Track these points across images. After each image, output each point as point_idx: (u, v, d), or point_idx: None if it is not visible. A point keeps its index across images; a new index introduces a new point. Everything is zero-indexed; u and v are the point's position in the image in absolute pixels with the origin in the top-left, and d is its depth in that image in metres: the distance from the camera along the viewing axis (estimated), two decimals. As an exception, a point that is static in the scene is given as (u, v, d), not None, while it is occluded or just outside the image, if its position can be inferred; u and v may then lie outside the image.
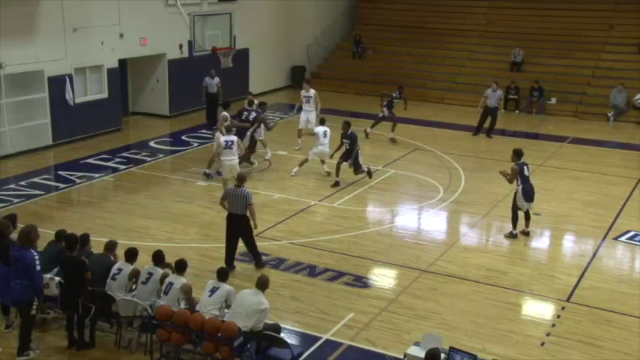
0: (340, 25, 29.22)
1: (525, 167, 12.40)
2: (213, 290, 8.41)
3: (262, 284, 8.28)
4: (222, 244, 11.15)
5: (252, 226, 10.76)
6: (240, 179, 10.82)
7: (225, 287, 8.43)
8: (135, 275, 8.71)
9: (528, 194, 12.32)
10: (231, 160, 13.92)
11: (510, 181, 12.50)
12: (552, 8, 26.11)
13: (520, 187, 12.31)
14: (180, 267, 8.63)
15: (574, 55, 24.94)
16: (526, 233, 12.61)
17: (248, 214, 10.60)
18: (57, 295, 8.75)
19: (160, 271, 8.69)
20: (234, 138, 14.03)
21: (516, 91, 23.50)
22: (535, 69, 24.76)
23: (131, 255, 8.86)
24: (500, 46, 25.84)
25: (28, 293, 8.19)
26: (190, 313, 8.06)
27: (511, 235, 12.56)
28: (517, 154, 12.49)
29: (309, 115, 17.55)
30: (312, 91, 17.60)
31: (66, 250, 8.63)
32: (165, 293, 8.45)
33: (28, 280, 8.13)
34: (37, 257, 8.18)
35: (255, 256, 11.01)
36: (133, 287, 8.71)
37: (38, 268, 8.18)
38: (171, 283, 8.47)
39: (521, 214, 12.56)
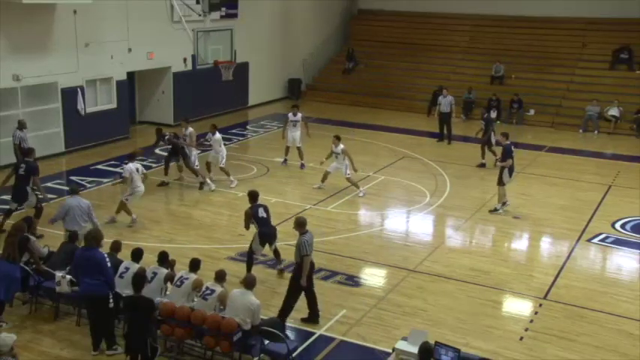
0: (334, 41, 29.28)
1: (513, 148, 14.20)
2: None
3: (249, 283, 8.12)
4: (221, 245, 11.15)
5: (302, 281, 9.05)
6: (300, 225, 9.11)
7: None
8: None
9: (511, 172, 14.01)
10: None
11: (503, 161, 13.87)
12: (530, 27, 26.25)
13: (505, 170, 13.81)
14: (194, 266, 8.58)
15: (550, 70, 25.05)
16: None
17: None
18: (68, 292, 8.72)
19: (164, 270, 8.65)
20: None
21: (497, 102, 23.60)
22: (515, 82, 24.86)
23: (137, 255, 8.83)
24: (482, 61, 25.92)
25: (103, 289, 8.16)
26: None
27: (495, 210, 13.91)
28: (505, 135, 14.33)
29: (294, 134, 17.03)
30: (300, 115, 17.11)
31: (133, 288, 7.85)
32: (178, 286, 8.39)
33: (102, 276, 8.14)
34: (105, 255, 8.28)
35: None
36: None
37: (109, 264, 8.24)
38: (183, 278, 8.45)
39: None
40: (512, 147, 14.18)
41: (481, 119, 18.38)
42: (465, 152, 19.30)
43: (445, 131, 20.26)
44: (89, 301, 8.36)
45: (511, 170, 13.97)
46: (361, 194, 14.82)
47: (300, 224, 9.08)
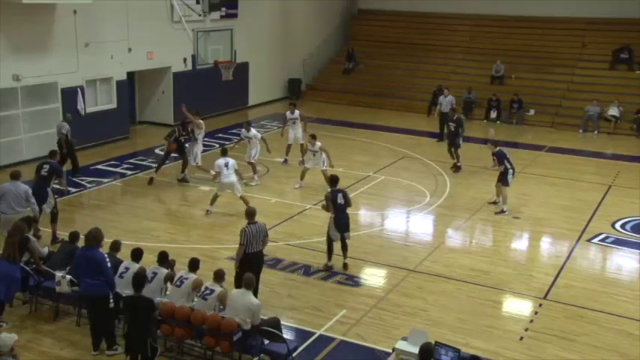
0: (334, 41, 29.28)
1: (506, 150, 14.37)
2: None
3: (249, 284, 8.11)
4: (221, 245, 11.15)
5: None
6: (250, 214, 9.50)
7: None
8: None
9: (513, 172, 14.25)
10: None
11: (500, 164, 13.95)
12: (530, 27, 26.27)
13: (510, 169, 13.99)
14: (193, 266, 8.58)
15: (550, 70, 25.05)
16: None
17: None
18: (68, 292, 8.72)
19: (164, 270, 8.64)
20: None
21: (497, 102, 23.61)
22: (515, 82, 24.86)
23: (137, 255, 8.82)
24: (482, 61, 25.93)
25: (103, 289, 8.16)
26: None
27: (502, 212, 13.95)
28: (494, 143, 14.32)
29: (295, 132, 17.23)
30: (297, 112, 17.28)
31: (134, 288, 7.82)
32: (178, 286, 8.39)
33: (103, 276, 8.13)
34: (106, 256, 8.26)
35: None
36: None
37: (109, 265, 8.23)
38: (183, 278, 8.46)
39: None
40: (504, 150, 14.17)
41: (451, 121, 17.42)
42: (464, 152, 19.29)
43: (445, 131, 20.22)
44: (89, 301, 8.35)
45: (510, 172, 14.02)
46: (297, 186, 15.26)
47: (250, 214, 9.37)
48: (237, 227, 12.11)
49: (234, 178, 13.28)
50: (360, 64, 27.65)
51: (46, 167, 11.79)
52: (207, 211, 13.43)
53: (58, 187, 12.48)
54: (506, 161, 13.89)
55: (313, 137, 15.07)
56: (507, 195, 14.07)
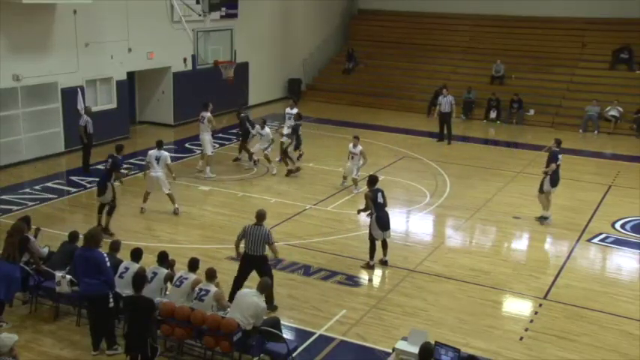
0: (334, 41, 29.28)
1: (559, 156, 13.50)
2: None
3: (263, 288, 8.18)
4: (221, 244, 11.14)
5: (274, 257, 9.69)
6: (257, 216, 9.54)
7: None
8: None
9: (554, 181, 13.43)
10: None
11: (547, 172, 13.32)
12: (530, 27, 26.27)
13: (547, 177, 13.32)
14: (193, 265, 8.59)
15: (550, 70, 25.05)
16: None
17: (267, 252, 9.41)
18: (68, 292, 8.72)
19: (164, 270, 8.64)
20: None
21: (497, 102, 23.61)
22: (514, 82, 24.86)
23: (136, 255, 8.82)
24: (482, 61, 25.93)
25: (103, 288, 8.16)
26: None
27: (544, 219, 13.43)
28: (557, 142, 13.73)
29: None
30: (296, 109, 17.47)
31: (134, 288, 7.85)
32: (177, 286, 8.39)
33: (102, 276, 8.13)
34: (105, 255, 8.26)
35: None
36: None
37: (108, 264, 8.23)
38: (182, 277, 8.46)
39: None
40: (559, 155, 13.43)
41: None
42: (465, 152, 19.31)
43: (445, 131, 20.25)
44: (89, 301, 8.35)
45: (554, 178, 13.32)
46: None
47: (257, 216, 9.51)
48: (236, 227, 12.16)
49: (161, 173, 13.16)
50: (360, 64, 27.65)
51: (110, 161, 12.40)
52: (142, 208, 13.40)
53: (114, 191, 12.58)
54: (553, 165, 13.28)
55: (357, 138, 15.05)
56: (547, 202, 13.56)
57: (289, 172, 16.09)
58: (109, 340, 8.35)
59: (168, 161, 13.21)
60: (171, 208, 13.49)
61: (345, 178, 15.42)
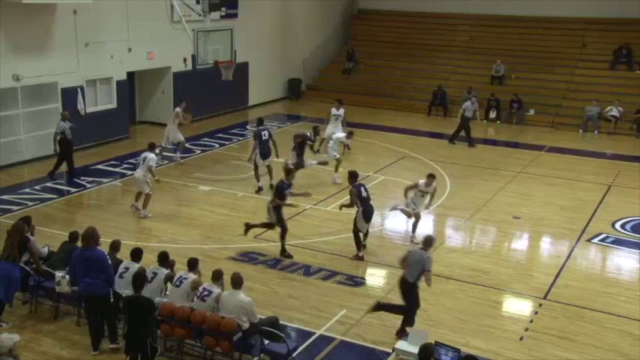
0: (334, 41, 29.28)
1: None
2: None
3: (236, 283, 8.04)
4: (221, 244, 11.07)
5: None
6: (427, 243, 9.28)
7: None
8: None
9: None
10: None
11: None
12: (530, 27, 26.27)
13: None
14: (192, 265, 8.58)
15: (550, 70, 25.04)
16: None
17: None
18: (68, 292, 8.72)
19: (164, 270, 8.63)
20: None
21: (497, 102, 23.61)
22: (515, 82, 24.86)
23: (136, 255, 8.82)
24: (482, 61, 25.92)
25: (105, 287, 8.18)
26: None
27: None
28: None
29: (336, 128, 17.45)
30: (342, 110, 17.57)
31: (134, 288, 7.85)
32: (177, 286, 8.38)
33: (104, 274, 8.14)
34: (106, 253, 8.30)
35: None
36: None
37: (110, 262, 8.27)
38: (182, 277, 8.44)
39: None
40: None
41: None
42: (465, 152, 19.31)
43: (463, 133, 20.05)
44: (89, 301, 8.35)
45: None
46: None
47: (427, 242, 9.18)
48: (236, 227, 12.17)
49: (140, 174, 13.15)
50: (360, 64, 27.65)
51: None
52: (133, 205, 13.43)
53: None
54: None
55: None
56: None
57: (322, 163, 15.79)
58: (112, 335, 8.35)
59: (151, 163, 13.17)
60: (172, 208, 13.48)
61: (326, 163, 15.58)
